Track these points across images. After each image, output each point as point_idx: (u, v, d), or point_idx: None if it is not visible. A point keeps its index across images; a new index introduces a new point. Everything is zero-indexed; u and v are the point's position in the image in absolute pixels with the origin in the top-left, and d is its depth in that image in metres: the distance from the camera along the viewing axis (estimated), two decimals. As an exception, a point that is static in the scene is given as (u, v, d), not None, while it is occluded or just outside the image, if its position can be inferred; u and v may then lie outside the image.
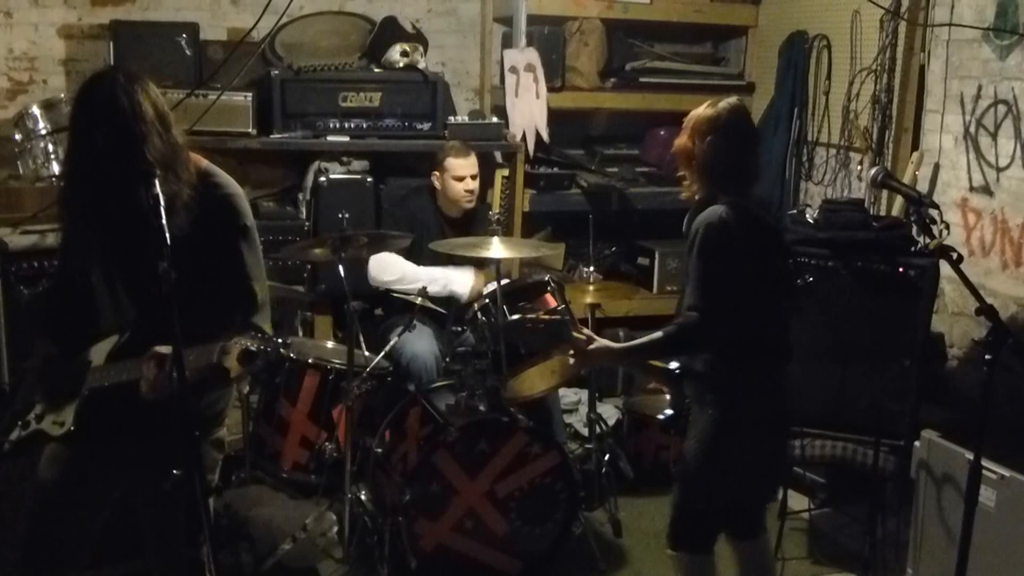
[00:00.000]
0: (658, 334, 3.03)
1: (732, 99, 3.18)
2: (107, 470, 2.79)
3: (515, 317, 3.22)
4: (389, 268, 4.56)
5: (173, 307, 2.27)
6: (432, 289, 4.42)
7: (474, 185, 4.73)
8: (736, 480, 3.07)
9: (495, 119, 5.45)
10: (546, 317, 3.18)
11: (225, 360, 2.51)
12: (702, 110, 3.15)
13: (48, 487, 2.80)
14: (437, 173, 4.73)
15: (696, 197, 3.13)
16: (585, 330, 3.22)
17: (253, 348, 2.49)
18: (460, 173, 4.69)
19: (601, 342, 3.14)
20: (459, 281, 4.59)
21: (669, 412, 3.27)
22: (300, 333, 5.03)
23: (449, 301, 4.57)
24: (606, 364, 3.30)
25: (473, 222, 4.76)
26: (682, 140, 3.16)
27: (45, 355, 2.88)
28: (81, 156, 2.61)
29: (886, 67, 4.88)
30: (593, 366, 3.44)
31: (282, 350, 2.54)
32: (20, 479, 3.29)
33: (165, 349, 2.54)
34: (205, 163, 2.79)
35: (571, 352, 3.17)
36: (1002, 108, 4.26)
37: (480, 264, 4.65)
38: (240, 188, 2.82)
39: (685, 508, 3.17)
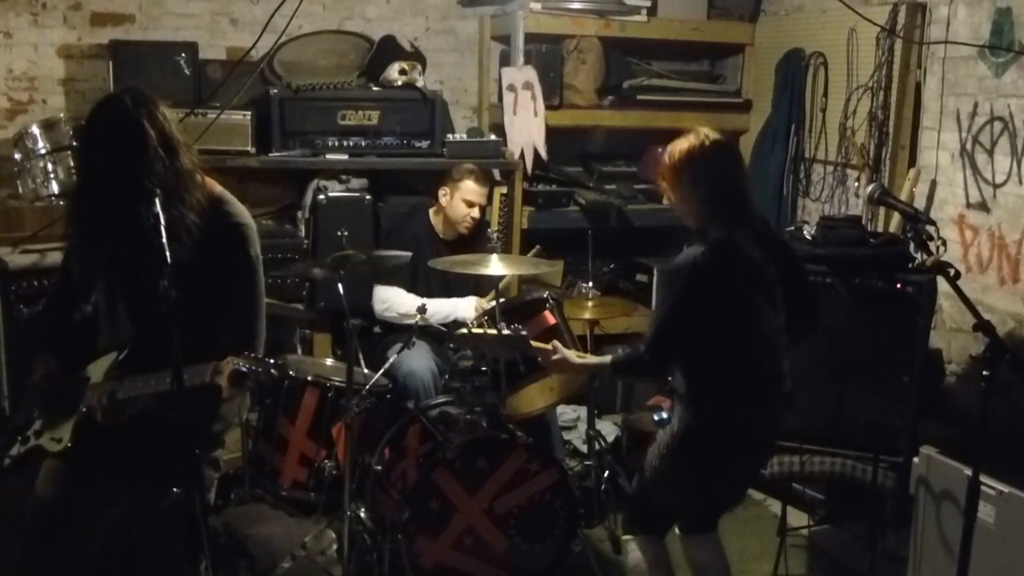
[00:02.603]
0: (607, 358, 3.29)
1: (708, 131, 3.21)
2: (104, 487, 2.79)
3: (461, 331, 3.43)
4: (393, 305, 4.63)
5: (173, 326, 2.28)
6: (438, 319, 4.51)
7: (477, 215, 4.76)
8: (688, 488, 3.27)
9: (493, 137, 5.46)
10: (494, 332, 3.48)
11: (218, 379, 2.53)
12: (680, 144, 3.20)
13: (45, 504, 2.80)
14: (447, 189, 4.74)
15: (692, 227, 3.20)
16: (538, 344, 3.45)
17: (244, 368, 2.52)
18: (471, 198, 4.72)
19: (563, 353, 3.37)
20: (464, 308, 4.60)
21: (665, 415, 3.59)
22: (299, 351, 5.02)
23: (455, 324, 4.57)
24: (562, 374, 3.75)
25: (468, 245, 4.76)
26: (663, 175, 3.24)
27: (44, 371, 2.89)
28: (85, 176, 2.63)
29: (882, 84, 4.90)
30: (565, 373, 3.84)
31: (272, 371, 2.58)
32: (19, 495, 3.28)
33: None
34: (219, 190, 2.80)
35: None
36: (998, 125, 4.27)
37: (478, 286, 4.68)
38: (251, 219, 2.83)
39: (636, 499, 3.46)
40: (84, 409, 2.75)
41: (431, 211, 4.86)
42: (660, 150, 5.63)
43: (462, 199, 4.71)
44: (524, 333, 3.55)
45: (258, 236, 2.83)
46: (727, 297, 3.09)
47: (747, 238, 3.12)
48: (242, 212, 2.80)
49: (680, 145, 3.18)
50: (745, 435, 3.20)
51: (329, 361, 4.67)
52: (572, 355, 3.39)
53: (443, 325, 4.55)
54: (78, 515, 2.79)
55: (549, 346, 3.41)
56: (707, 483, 3.27)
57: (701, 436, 3.14)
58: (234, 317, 2.73)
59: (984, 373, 2.75)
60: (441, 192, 4.76)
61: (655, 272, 5.71)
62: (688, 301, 3.08)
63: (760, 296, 3.14)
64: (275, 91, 5.06)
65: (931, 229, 3.72)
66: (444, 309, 4.60)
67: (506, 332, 3.58)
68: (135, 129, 2.53)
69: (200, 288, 2.57)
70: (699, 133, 3.18)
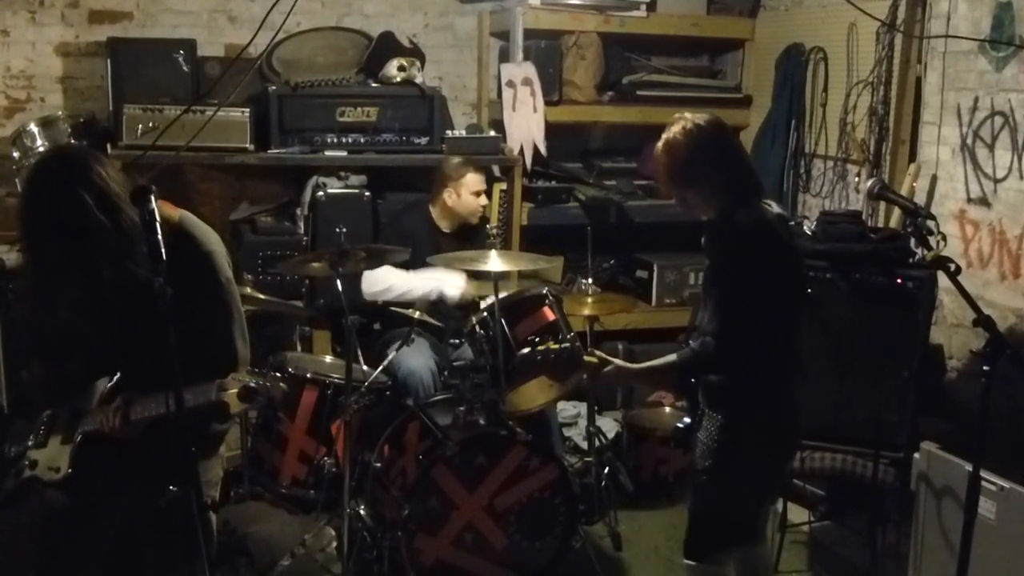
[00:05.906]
0: (672, 358, 3.08)
1: (689, 115, 3.09)
2: (108, 506, 2.80)
3: (525, 351, 3.26)
4: (378, 280, 4.54)
5: (168, 326, 2.26)
6: (421, 292, 4.45)
7: (486, 201, 4.82)
8: (743, 486, 3.09)
9: (493, 133, 5.46)
10: (555, 347, 3.21)
11: (224, 396, 2.57)
12: (677, 130, 3.06)
13: (58, 509, 2.79)
14: (451, 189, 4.71)
15: (706, 216, 3.08)
16: (598, 352, 3.23)
17: (254, 385, 2.57)
18: (479, 188, 4.74)
19: (616, 363, 3.18)
20: (450, 283, 4.54)
21: (687, 420, 3.29)
22: (299, 348, 5.02)
23: (442, 310, 4.54)
24: (620, 385, 3.34)
25: (468, 235, 4.77)
26: (666, 172, 3.08)
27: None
28: (32, 244, 2.64)
29: (883, 79, 4.89)
30: (608, 385, 3.48)
31: (282, 384, 2.66)
32: (14, 529, 3.21)
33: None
34: (178, 216, 2.75)
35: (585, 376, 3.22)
36: (999, 119, 4.26)
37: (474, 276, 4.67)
38: (218, 241, 2.81)
39: (699, 516, 3.19)
40: (79, 437, 2.76)
41: (430, 206, 4.83)
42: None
43: (470, 192, 4.71)
44: (576, 344, 3.29)
45: (227, 257, 2.81)
46: (775, 273, 2.99)
47: (769, 213, 3.05)
48: (208, 238, 2.77)
49: (675, 136, 3.04)
50: (788, 426, 3.12)
51: (328, 358, 4.66)
52: (624, 365, 3.20)
53: (438, 318, 4.51)
54: (91, 513, 2.79)
55: (595, 359, 3.19)
56: (760, 478, 3.12)
57: (752, 426, 3.00)
58: (214, 341, 2.75)
59: (984, 368, 2.74)
60: (446, 194, 4.72)
61: (655, 268, 5.72)
62: (749, 283, 2.92)
63: (793, 275, 3.09)
64: (273, 88, 5.06)
65: (931, 224, 3.71)
66: (429, 283, 4.52)
67: (562, 347, 3.25)
68: (72, 199, 2.50)
69: (180, 322, 2.55)
70: (685, 119, 3.06)
